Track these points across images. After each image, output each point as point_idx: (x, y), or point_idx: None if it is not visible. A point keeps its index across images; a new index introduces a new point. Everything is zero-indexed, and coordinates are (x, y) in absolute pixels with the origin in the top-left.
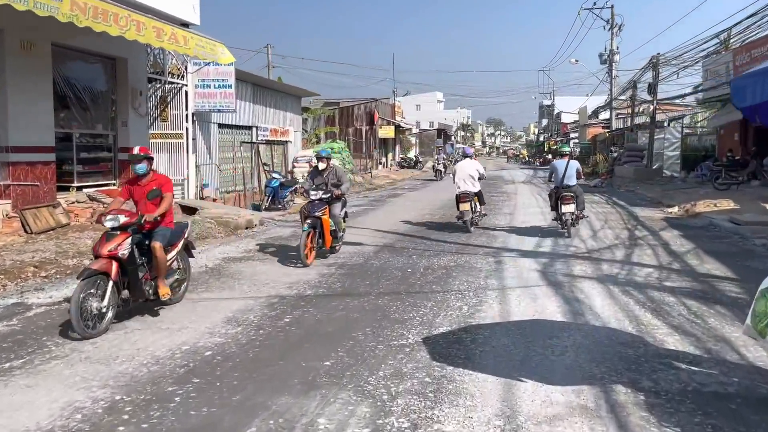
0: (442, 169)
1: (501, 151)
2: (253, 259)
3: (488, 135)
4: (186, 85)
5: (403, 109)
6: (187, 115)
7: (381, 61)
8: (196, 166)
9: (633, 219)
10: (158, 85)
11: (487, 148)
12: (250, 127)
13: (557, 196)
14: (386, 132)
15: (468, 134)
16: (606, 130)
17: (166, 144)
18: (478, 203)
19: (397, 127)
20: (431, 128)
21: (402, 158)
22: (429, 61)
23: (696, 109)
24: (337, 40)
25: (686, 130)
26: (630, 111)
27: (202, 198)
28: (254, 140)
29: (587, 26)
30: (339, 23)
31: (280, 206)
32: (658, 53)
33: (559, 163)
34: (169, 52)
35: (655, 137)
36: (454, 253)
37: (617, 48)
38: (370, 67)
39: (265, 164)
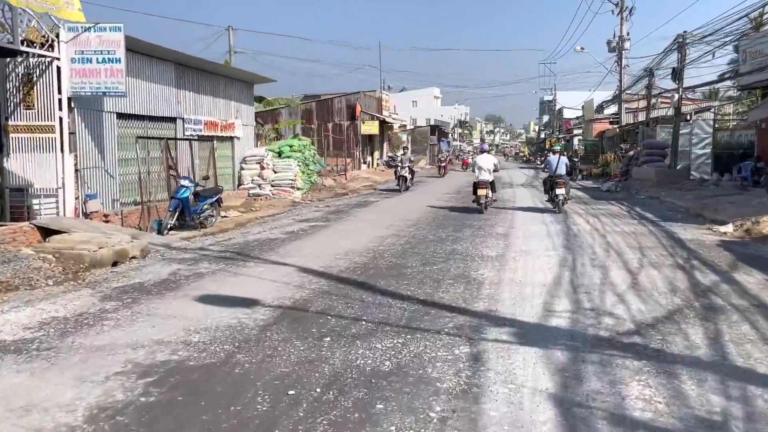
0: (408, 176)
1: (499, 149)
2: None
3: (487, 132)
4: (58, 59)
5: (391, 103)
6: (60, 101)
7: (372, 55)
8: (76, 171)
9: (678, 245)
10: (19, 59)
11: (486, 146)
12: (173, 119)
13: (552, 183)
14: (370, 128)
15: (466, 131)
16: (615, 126)
17: (32, 141)
18: (490, 191)
19: (383, 123)
20: (424, 125)
21: (390, 157)
22: (425, 56)
23: (718, 101)
24: (323, 30)
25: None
26: (645, 103)
27: (86, 215)
28: (180, 136)
29: (593, 11)
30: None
31: (193, 224)
32: (685, 31)
33: (553, 159)
34: (27, 11)
35: (680, 132)
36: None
37: (627, 34)
38: (357, 48)
39: (171, 166)
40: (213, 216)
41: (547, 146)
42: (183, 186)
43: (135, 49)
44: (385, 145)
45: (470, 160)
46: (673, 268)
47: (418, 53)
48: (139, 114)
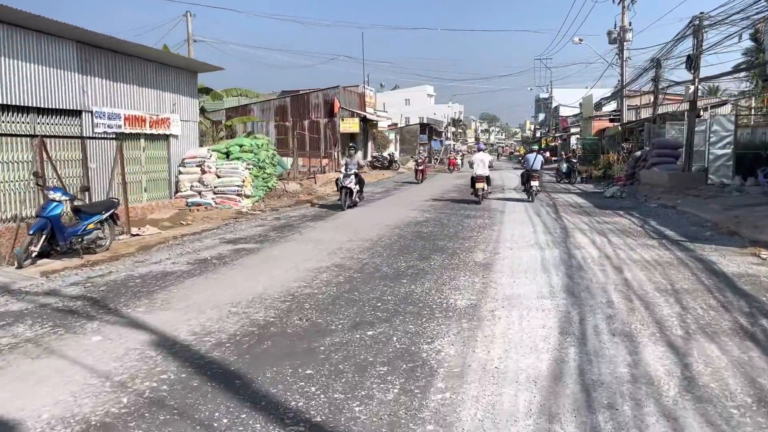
0: (354, 188)
1: (494, 148)
2: None
3: (482, 131)
4: None
5: (376, 99)
6: None
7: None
8: None
9: (725, 285)
10: None
11: (483, 144)
12: (77, 113)
13: (528, 175)
14: (349, 125)
15: (459, 130)
16: (615, 124)
17: None
18: (486, 184)
19: (365, 120)
20: (413, 123)
21: (374, 157)
22: (416, 51)
23: (728, 95)
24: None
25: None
26: (648, 99)
27: None
28: (88, 132)
29: None
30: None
31: (71, 250)
32: (702, 12)
33: (531, 156)
34: None
35: (695, 129)
36: None
37: (629, 24)
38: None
39: (35, 172)
40: (104, 238)
41: (544, 144)
42: (53, 200)
43: (13, 21)
44: (370, 145)
45: (458, 160)
46: (738, 335)
47: (404, 48)
48: (24, 105)
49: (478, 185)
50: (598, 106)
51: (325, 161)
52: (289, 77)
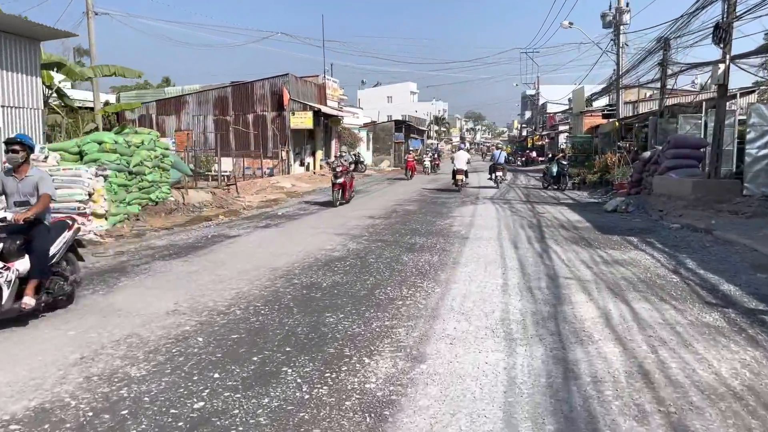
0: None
1: (480, 147)
2: None
3: (467, 130)
4: None
5: (340, 92)
6: None
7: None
8: None
9: None
10: None
11: (467, 144)
12: None
13: (494, 167)
14: (301, 120)
15: (443, 129)
16: (611, 120)
17: None
18: (465, 177)
19: (320, 114)
20: (388, 120)
21: (336, 158)
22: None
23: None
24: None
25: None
26: (660, 85)
27: None
28: None
29: None
30: None
31: None
32: None
33: (496, 152)
34: None
35: (723, 123)
36: None
37: (627, 5)
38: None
39: None
40: None
41: (531, 143)
42: None
43: None
44: (334, 144)
45: (421, 161)
46: None
47: (385, 42)
48: None
49: (458, 177)
50: (589, 102)
51: (271, 163)
52: (244, 68)
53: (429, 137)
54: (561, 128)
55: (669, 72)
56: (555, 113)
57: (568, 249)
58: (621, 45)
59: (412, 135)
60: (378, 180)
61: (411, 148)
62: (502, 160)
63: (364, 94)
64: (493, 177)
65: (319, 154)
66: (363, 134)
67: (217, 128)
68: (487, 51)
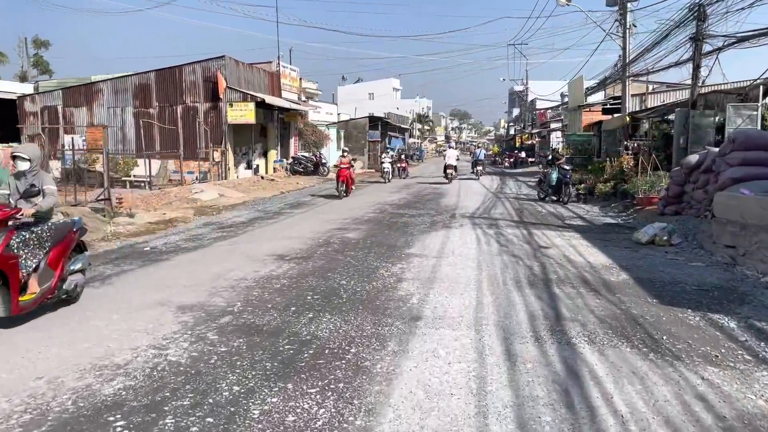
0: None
1: (466, 146)
2: None
3: (453, 129)
4: None
5: (301, 82)
6: None
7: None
8: None
9: None
10: None
11: (453, 143)
12: None
13: (475, 163)
14: (241, 113)
15: (427, 127)
16: (613, 115)
17: None
18: (454, 171)
19: (268, 107)
20: (361, 117)
21: (294, 159)
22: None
23: None
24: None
25: None
26: (692, 69)
27: None
28: None
29: None
30: None
31: None
32: None
33: (477, 151)
34: None
35: None
36: None
37: None
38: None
39: None
40: None
41: (519, 143)
42: None
43: None
44: (294, 142)
45: (394, 160)
46: None
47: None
48: None
49: (448, 171)
50: (586, 95)
51: (205, 165)
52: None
53: (412, 136)
54: (553, 126)
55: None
56: (546, 109)
57: (620, 365)
58: (628, 26)
59: (391, 133)
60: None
61: (389, 147)
62: (482, 156)
63: (344, 90)
64: (475, 171)
65: (273, 154)
66: (333, 132)
67: (138, 123)
68: (473, 38)
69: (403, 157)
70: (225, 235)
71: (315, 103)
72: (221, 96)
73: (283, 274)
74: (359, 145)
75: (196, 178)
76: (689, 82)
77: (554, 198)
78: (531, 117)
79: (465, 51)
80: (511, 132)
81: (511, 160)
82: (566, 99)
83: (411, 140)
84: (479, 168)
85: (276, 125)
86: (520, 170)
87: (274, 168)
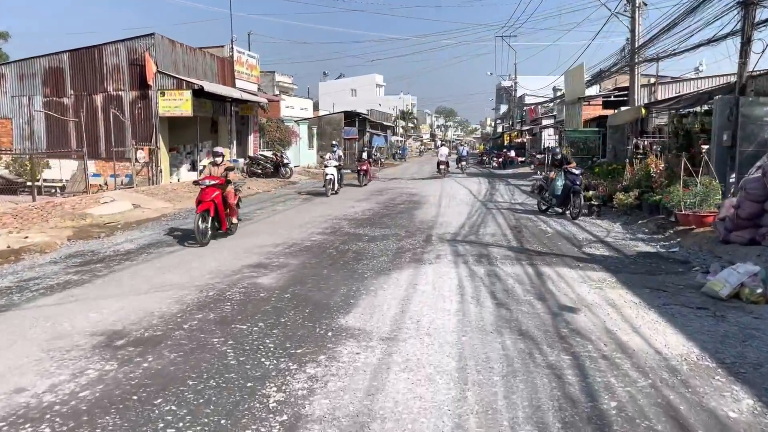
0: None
1: (454, 145)
2: None
3: (438, 127)
4: None
5: (259, 70)
6: None
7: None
8: None
9: None
10: None
11: (438, 142)
12: None
13: (459, 159)
14: (176, 104)
15: (411, 125)
16: (620, 109)
17: None
18: (446, 166)
19: (217, 99)
20: (336, 112)
21: (252, 158)
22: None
23: None
24: None
25: None
26: (740, 44)
27: None
28: None
29: None
30: None
31: None
32: None
33: (461, 148)
34: None
35: None
36: None
37: None
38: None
39: None
40: None
41: (508, 140)
42: None
43: None
44: (253, 139)
45: (340, 164)
46: None
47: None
48: None
49: (441, 166)
50: (593, 80)
51: (130, 167)
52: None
53: (395, 134)
54: (545, 122)
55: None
56: (537, 104)
57: None
58: (638, 4)
59: (372, 131)
60: (296, 192)
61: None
62: (465, 153)
63: (325, 86)
64: (459, 166)
65: (226, 154)
66: (303, 129)
67: (49, 115)
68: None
69: (364, 157)
70: (73, 280)
71: (290, 97)
72: (150, 82)
73: (62, 400)
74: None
75: (122, 183)
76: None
77: (559, 210)
78: (520, 114)
79: (453, 35)
80: (499, 130)
81: (500, 159)
82: (559, 93)
83: (394, 138)
84: (462, 164)
85: (230, 120)
86: (510, 171)
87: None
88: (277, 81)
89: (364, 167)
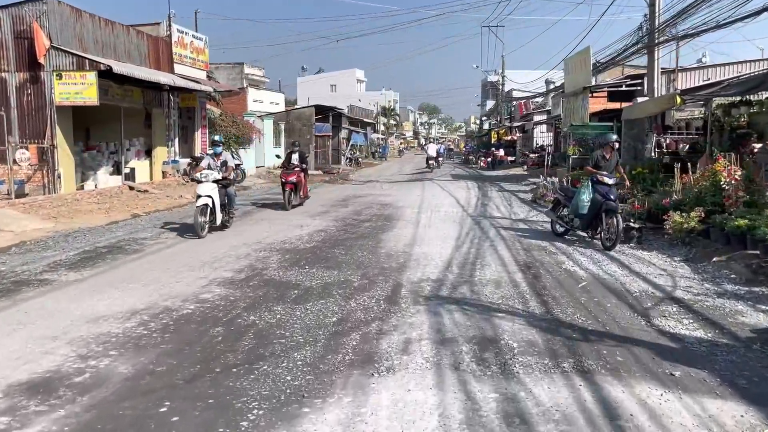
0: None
1: (439, 143)
2: None
3: (421, 124)
4: None
5: (206, 52)
6: None
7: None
8: None
9: None
10: None
11: (423, 140)
12: None
13: (428, 159)
14: (76, 89)
15: (393, 122)
16: (638, 100)
17: None
18: (435, 162)
19: (151, 86)
20: (305, 105)
21: (195, 159)
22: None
23: None
24: None
25: None
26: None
27: None
28: None
29: None
30: None
31: None
32: None
33: (431, 146)
34: None
35: None
36: None
37: None
38: None
39: None
40: None
41: (496, 138)
42: None
43: None
44: (199, 136)
45: (229, 179)
46: None
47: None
48: None
49: (431, 162)
50: (603, 66)
51: (18, 171)
52: None
53: (375, 131)
54: (537, 118)
55: None
56: (529, 98)
57: None
58: None
59: (350, 128)
60: (241, 202)
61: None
62: (442, 150)
63: (304, 81)
64: (429, 164)
65: (162, 153)
66: (267, 124)
67: None
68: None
69: (294, 162)
70: None
71: (259, 91)
72: (41, 61)
73: None
74: (304, 140)
75: (7, 193)
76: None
77: (586, 234)
78: (509, 109)
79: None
80: (485, 127)
81: (489, 159)
82: (553, 86)
83: (375, 135)
84: (440, 159)
85: (169, 112)
86: (500, 172)
87: (163, 172)
88: (246, 73)
89: (293, 179)
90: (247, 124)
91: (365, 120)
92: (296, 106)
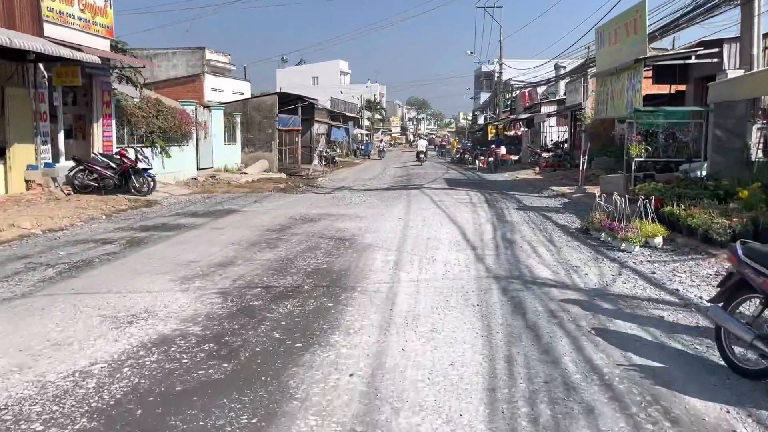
0: None
1: (429, 139)
2: None
3: (410, 119)
4: None
5: (110, 13)
6: None
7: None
8: None
9: None
10: None
11: (410, 136)
12: None
13: (418, 153)
14: None
15: (379, 116)
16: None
17: None
18: (425, 155)
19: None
20: (267, 94)
21: (80, 161)
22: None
23: None
24: None
25: None
26: None
27: None
28: None
29: None
30: None
31: None
32: None
33: (420, 141)
34: None
35: None
36: None
37: None
38: None
39: None
40: None
41: (493, 134)
42: None
43: None
44: (101, 127)
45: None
46: None
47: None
48: None
49: (420, 156)
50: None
51: None
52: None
53: (359, 126)
54: (545, 110)
55: None
56: (534, 85)
57: None
58: None
59: (324, 121)
60: (116, 228)
61: (332, 140)
62: (422, 149)
63: (284, 73)
64: (419, 158)
65: (24, 153)
66: (217, 116)
67: None
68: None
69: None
70: None
71: (219, 78)
72: None
73: None
74: (264, 135)
75: None
76: None
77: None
78: (510, 100)
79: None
80: (480, 121)
81: (490, 159)
82: (562, 71)
83: (358, 131)
84: (423, 156)
85: (38, 93)
86: (506, 176)
87: (27, 182)
88: (209, 59)
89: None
90: (182, 114)
91: (348, 114)
92: (255, 95)
